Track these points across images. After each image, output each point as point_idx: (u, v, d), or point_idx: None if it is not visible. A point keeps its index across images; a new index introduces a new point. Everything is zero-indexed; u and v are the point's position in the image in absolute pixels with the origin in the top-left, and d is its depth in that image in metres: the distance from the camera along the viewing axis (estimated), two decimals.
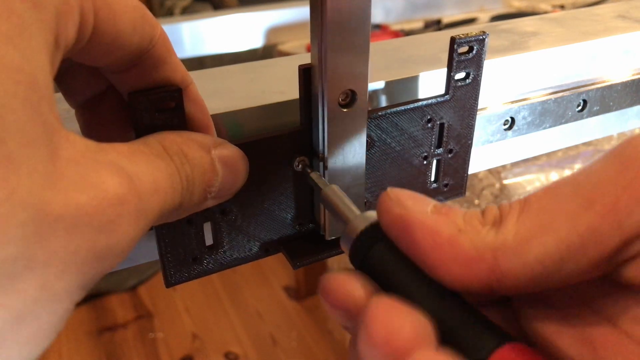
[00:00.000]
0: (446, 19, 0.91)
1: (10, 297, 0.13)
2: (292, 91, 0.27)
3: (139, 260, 0.28)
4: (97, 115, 0.21)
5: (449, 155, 0.30)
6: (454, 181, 0.31)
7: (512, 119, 0.33)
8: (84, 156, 0.14)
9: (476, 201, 0.73)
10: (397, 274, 0.17)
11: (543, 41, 0.35)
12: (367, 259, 0.18)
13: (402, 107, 0.27)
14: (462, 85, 0.28)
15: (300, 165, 0.26)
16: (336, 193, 0.23)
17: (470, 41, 0.26)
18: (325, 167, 0.25)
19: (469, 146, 0.30)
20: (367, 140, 0.26)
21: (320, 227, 0.27)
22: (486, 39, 0.26)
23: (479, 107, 0.33)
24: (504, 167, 0.71)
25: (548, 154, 0.71)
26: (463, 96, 0.28)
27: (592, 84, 0.36)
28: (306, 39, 0.80)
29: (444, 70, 0.31)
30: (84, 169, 0.14)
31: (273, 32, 0.81)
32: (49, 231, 0.13)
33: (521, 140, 0.35)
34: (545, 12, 0.84)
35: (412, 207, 0.17)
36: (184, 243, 0.24)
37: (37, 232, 0.13)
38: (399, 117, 0.27)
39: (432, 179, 0.30)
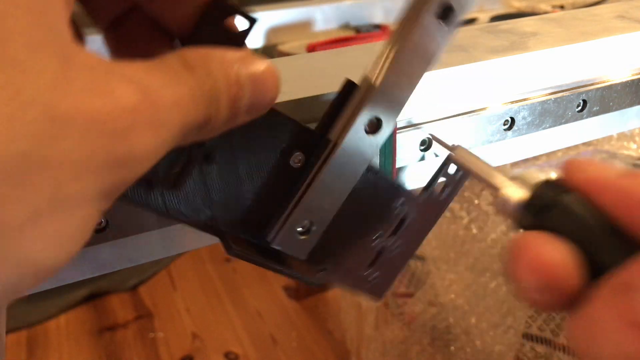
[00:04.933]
0: None
1: (25, 191, 0.13)
2: (292, 92, 0.27)
3: (139, 260, 0.28)
4: (124, 37, 0.21)
5: (395, 251, 0.29)
6: (381, 280, 0.29)
7: (512, 119, 0.33)
8: (97, 66, 0.15)
9: (476, 201, 0.73)
10: (592, 229, 0.17)
11: (543, 41, 0.35)
12: (554, 211, 0.18)
13: (389, 182, 0.28)
14: (435, 198, 0.29)
15: (298, 163, 0.25)
16: (471, 152, 0.23)
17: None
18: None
19: (408, 257, 0.29)
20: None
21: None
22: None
23: (479, 107, 0.33)
24: (503, 167, 0.71)
25: (548, 154, 0.71)
26: (430, 208, 0.29)
27: (592, 84, 0.36)
28: (306, 39, 0.80)
29: (444, 71, 0.31)
30: (96, 77, 0.14)
31: (273, 32, 0.81)
32: (60, 132, 0.13)
33: (521, 140, 0.35)
34: (545, 13, 0.84)
35: (603, 170, 0.18)
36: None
37: (48, 131, 0.13)
38: (383, 181, 0.27)
39: (369, 263, 0.28)
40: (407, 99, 0.24)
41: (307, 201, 0.24)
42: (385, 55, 0.24)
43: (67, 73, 0.14)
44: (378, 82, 0.23)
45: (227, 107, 0.18)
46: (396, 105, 0.24)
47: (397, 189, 0.28)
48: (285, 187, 0.25)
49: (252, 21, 0.22)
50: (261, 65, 0.19)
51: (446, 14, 0.23)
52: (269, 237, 0.24)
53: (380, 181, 0.27)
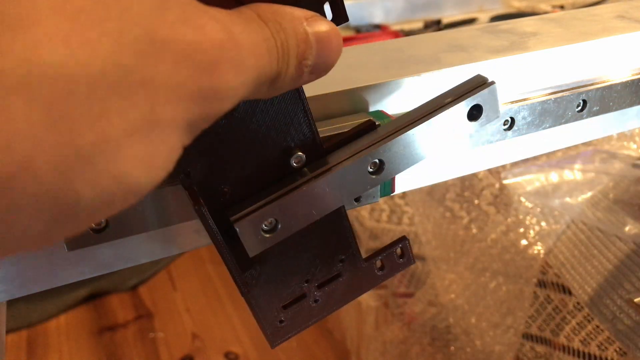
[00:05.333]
0: (446, 19, 0.91)
1: (125, 105, 0.13)
2: None
3: (139, 260, 0.28)
4: None
5: (312, 304, 0.29)
6: (283, 326, 0.28)
7: (512, 119, 0.33)
8: (189, 2, 0.15)
9: (476, 201, 0.73)
10: None
11: (543, 41, 0.35)
12: None
13: (348, 231, 0.28)
14: (372, 271, 0.29)
15: (297, 163, 0.24)
16: None
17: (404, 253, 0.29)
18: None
19: (317, 318, 0.29)
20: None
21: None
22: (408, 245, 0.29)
23: None
24: (503, 167, 0.71)
25: (548, 154, 0.71)
26: (364, 279, 0.29)
27: (592, 84, 0.36)
28: None
29: (444, 71, 0.31)
30: (190, 11, 0.15)
31: None
32: (158, 55, 0.14)
33: (521, 140, 0.35)
34: (545, 12, 0.84)
35: None
36: None
37: (148, 52, 0.14)
38: (345, 226, 0.28)
39: (287, 302, 0.28)
40: (417, 163, 0.25)
41: (286, 202, 0.24)
42: (407, 120, 0.25)
43: (164, 3, 0.15)
44: (392, 138, 0.24)
45: (296, 64, 0.19)
46: (404, 162, 0.25)
47: (350, 243, 0.28)
48: (273, 179, 0.24)
49: None
50: (326, 25, 0.20)
51: (473, 114, 0.26)
52: (234, 214, 0.23)
53: (343, 224, 0.27)
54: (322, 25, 0.20)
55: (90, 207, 0.14)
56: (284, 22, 0.18)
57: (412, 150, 0.25)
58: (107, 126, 0.13)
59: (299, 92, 0.24)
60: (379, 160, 0.24)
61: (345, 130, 0.27)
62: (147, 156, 0.14)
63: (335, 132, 0.27)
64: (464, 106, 0.25)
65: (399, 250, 0.29)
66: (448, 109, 0.25)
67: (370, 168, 0.25)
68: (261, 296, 0.27)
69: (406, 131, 0.25)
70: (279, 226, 0.24)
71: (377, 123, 0.26)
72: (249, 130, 0.23)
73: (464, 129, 0.26)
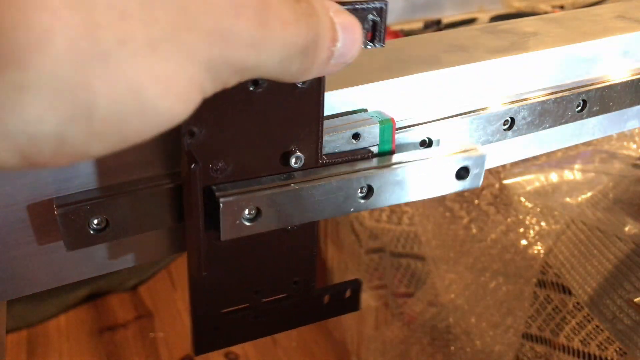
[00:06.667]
0: (446, 19, 0.91)
1: (150, 16, 0.14)
2: None
3: (139, 260, 0.28)
4: None
5: (257, 318, 0.28)
6: (217, 333, 0.28)
7: (512, 119, 0.33)
8: None
9: (476, 201, 0.73)
10: None
11: (543, 41, 0.35)
12: None
13: (312, 264, 0.28)
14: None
15: (295, 163, 0.24)
16: None
17: None
18: None
19: (248, 339, 0.29)
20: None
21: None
22: None
23: (479, 107, 0.33)
24: (503, 167, 0.71)
25: (548, 154, 0.71)
26: (309, 307, 0.29)
27: (592, 84, 0.36)
28: None
29: (444, 70, 0.31)
30: None
31: None
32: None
33: (521, 140, 0.35)
34: (545, 12, 0.84)
35: None
36: None
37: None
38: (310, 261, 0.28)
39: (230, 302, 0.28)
40: (403, 201, 0.27)
41: (275, 196, 0.23)
42: (402, 157, 0.26)
43: None
44: (384, 167, 0.25)
45: (325, 48, 0.19)
46: (393, 196, 0.26)
47: (311, 267, 0.28)
48: (267, 171, 0.24)
49: None
50: (350, 16, 0.20)
51: (461, 173, 0.27)
52: (219, 190, 0.23)
53: (312, 246, 0.28)
54: (347, 15, 0.20)
55: (105, 113, 0.14)
56: (316, 5, 0.19)
57: (400, 186, 0.26)
58: (128, 29, 0.13)
59: (320, 96, 0.24)
60: (368, 185, 0.25)
61: (346, 129, 0.27)
62: (164, 77, 0.14)
63: (335, 133, 0.27)
64: (454, 161, 0.27)
65: (348, 292, 0.29)
66: (440, 157, 0.27)
67: (361, 192, 0.25)
68: (206, 292, 0.26)
69: (397, 166, 0.26)
70: (259, 218, 0.23)
71: (371, 152, 0.27)
72: (264, 115, 0.23)
73: (448, 182, 0.27)
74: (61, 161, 0.15)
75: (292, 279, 0.28)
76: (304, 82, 0.23)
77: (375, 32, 0.22)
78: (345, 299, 0.29)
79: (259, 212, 0.23)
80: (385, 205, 0.26)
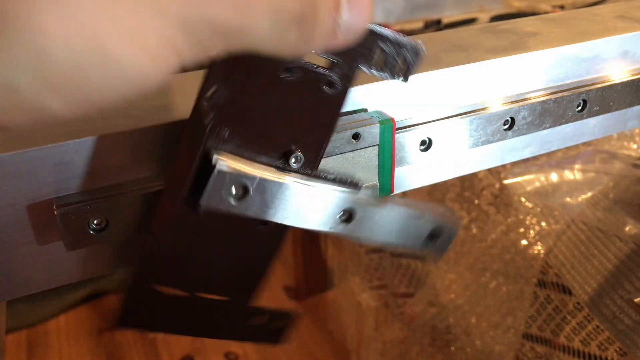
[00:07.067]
0: (446, 19, 0.91)
1: None
2: None
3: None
4: None
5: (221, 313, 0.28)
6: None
7: (512, 119, 0.33)
8: None
9: (476, 201, 0.73)
10: None
11: (543, 41, 0.35)
12: None
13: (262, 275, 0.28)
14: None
15: (295, 163, 0.24)
16: None
17: None
18: None
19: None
20: None
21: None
22: None
23: (479, 107, 0.33)
24: (503, 167, 0.71)
25: (548, 154, 0.71)
26: (235, 322, 0.29)
27: (592, 84, 0.36)
28: None
29: (444, 70, 0.31)
30: None
31: None
32: None
33: (521, 140, 0.35)
34: (545, 13, 0.84)
35: None
36: None
37: None
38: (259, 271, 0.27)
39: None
40: (379, 242, 0.26)
41: (267, 183, 0.23)
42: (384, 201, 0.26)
43: None
44: (357, 196, 0.24)
45: (329, 16, 0.17)
46: (372, 232, 0.25)
47: (257, 280, 0.27)
48: (267, 159, 0.24)
49: None
50: None
51: (432, 235, 0.26)
52: (219, 155, 0.22)
53: (270, 259, 0.27)
54: None
55: (60, 61, 0.13)
56: None
57: (378, 225, 0.25)
58: None
59: (340, 108, 0.24)
60: (350, 210, 0.24)
61: (346, 129, 0.27)
62: (128, 28, 0.13)
63: (335, 133, 0.27)
64: (428, 222, 0.26)
65: (278, 322, 0.29)
66: (414, 215, 0.26)
67: (342, 215, 0.24)
68: (154, 264, 0.26)
69: (378, 205, 0.25)
70: (244, 200, 0.22)
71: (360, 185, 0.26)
72: (285, 106, 0.23)
73: (419, 241, 0.26)
74: (20, 118, 0.13)
75: (237, 285, 0.27)
76: (331, 87, 0.23)
77: (407, 72, 0.23)
78: (271, 329, 0.29)
79: (245, 192, 0.22)
80: (364, 239, 0.25)
